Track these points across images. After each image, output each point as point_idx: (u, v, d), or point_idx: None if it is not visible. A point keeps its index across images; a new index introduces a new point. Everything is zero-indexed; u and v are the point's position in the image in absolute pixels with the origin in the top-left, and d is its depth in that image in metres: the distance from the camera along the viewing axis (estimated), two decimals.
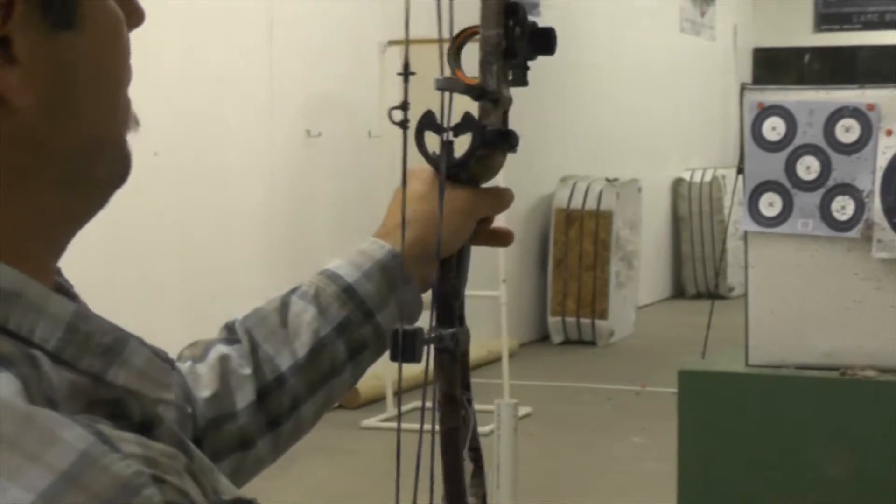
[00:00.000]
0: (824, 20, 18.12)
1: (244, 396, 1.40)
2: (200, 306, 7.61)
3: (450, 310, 1.36)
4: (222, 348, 1.42)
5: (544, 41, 1.38)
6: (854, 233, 3.98)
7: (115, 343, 0.85)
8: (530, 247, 11.76)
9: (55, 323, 0.83)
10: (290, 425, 1.43)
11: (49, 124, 0.87)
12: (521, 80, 1.39)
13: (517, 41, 1.36)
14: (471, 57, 1.40)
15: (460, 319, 1.38)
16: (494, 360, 8.81)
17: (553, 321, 11.63)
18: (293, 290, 1.46)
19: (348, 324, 1.43)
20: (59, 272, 0.96)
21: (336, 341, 1.43)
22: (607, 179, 11.86)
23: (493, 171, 1.42)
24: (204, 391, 1.39)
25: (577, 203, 11.69)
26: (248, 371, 1.41)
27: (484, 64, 1.36)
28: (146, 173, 5.85)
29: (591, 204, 11.67)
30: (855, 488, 3.91)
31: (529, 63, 1.39)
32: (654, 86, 14.42)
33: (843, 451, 3.93)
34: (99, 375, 0.83)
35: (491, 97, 1.36)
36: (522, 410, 7.87)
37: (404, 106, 1.38)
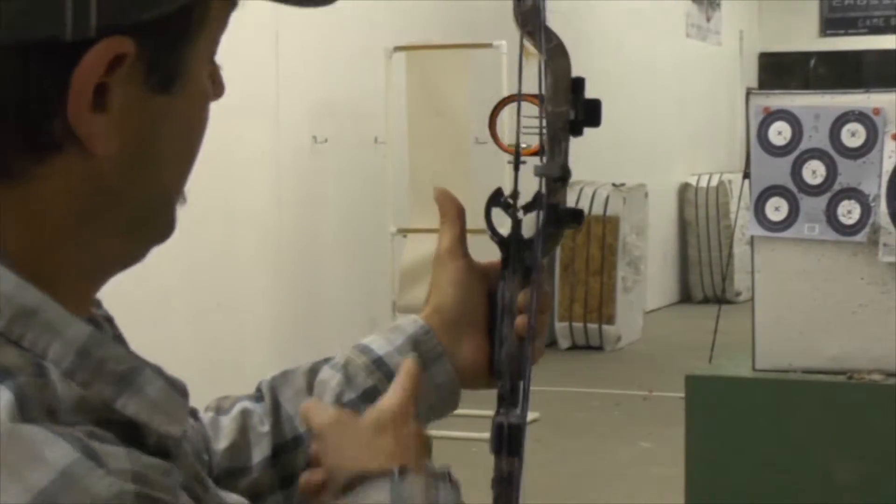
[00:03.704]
0: (830, 25, 18.11)
1: (260, 451, 1.40)
2: (206, 313, 7.61)
3: (515, 391, 1.36)
4: (247, 404, 1.43)
5: (593, 113, 1.33)
6: (860, 237, 3.98)
7: (129, 372, 0.86)
8: None
9: (69, 346, 0.84)
10: None
11: (124, 176, 0.89)
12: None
13: (580, 115, 1.32)
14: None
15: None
16: None
17: (560, 326, 11.62)
18: (326, 360, 1.46)
19: (374, 392, 1.42)
20: (99, 304, 0.98)
21: (359, 407, 1.41)
22: (614, 184, 11.86)
23: (555, 246, 1.40)
24: (222, 442, 1.40)
25: (583, 208, 11.67)
26: (266, 428, 1.41)
27: (554, 141, 1.31)
28: None
29: (597, 209, 11.67)
30: (862, 492, 3.91)
31: None
32: (660, 90, 14.42)
33: (850, 455, 3.92)
34: (108, 403, 0.84)
35: (567, 176, 1.33)
36: (530, 416, 7.86)
37: (514, 196, 1.34)
